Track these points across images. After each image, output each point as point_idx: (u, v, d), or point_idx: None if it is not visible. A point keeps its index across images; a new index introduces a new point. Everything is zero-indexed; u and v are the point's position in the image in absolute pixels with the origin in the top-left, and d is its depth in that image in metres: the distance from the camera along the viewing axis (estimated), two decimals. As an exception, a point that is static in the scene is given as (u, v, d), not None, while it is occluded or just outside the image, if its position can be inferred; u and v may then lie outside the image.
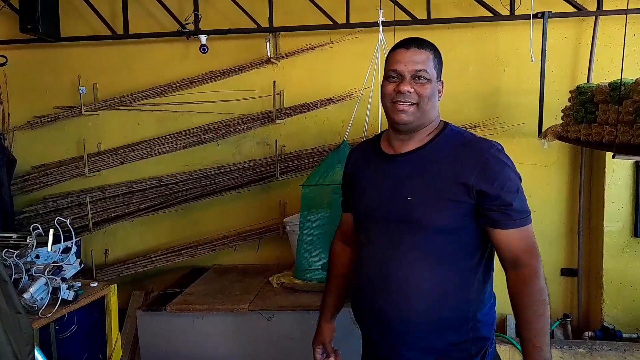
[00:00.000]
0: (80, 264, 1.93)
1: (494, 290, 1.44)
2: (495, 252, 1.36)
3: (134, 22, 3.15)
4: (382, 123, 2.66)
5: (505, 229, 1.26)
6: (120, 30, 3.14)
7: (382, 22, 2.45)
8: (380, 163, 1.41)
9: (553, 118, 2.94)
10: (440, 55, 1.37)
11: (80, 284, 1.89)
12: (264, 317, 2.52)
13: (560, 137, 2.59)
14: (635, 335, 2.87)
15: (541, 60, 2.80)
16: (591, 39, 2.91)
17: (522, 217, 1.27)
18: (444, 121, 1.41)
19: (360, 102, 2.73)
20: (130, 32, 3.13)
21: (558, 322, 3.01)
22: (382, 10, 2.43)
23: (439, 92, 1.37)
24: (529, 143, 2.99)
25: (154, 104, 3.28)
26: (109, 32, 3.14)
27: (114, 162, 3.28)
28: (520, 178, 1.30)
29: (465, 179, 1.25)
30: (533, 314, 1.24)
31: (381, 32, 2.39)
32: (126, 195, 3.30)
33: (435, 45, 1.38)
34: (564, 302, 3.13)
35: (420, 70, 1.29)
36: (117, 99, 3.27)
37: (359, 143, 1.61)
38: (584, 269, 3.10)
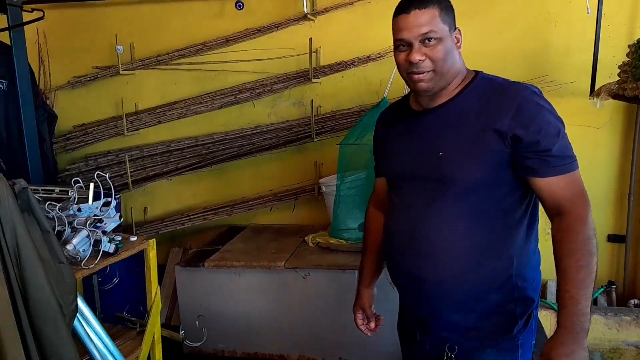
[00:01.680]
0: (120, 218, 1.95)
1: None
2: (538, 204, 1.27)
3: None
4: None
5: (544, 176, 1.16)
6: (156, -12, 3.11)
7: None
8: (409, 121, 1.35)
9: (607, 76, 2.76)
10: (448, 2, 1.24)
11: (120, 237, 1.92)
12: (300, 275, 2.53)
13: (616, 96, 2.43)
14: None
15: (597, 12, 2.62)
16: (652, -10, 2.68)
17: (563, 163, 1.15)
18: (474, 71, 1.30)
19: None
20: (166, -10, 3.09)
21: (602, 289, 2.91)
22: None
23: (457, 42, 1.26)
24: (578, 103, 2.83)
25: (190, 63, 3.26)
26: (144, -10, 3.11)
27: (152, 121, 3.30)
28: (562, 122, 1.18)
29: (498, 125, 1.16)
30: (575, 264, 1.12)
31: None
32: (164, 154, 3.33)
33: None
34: (610, 269, 3.02)
35: (427, 33, 1.18)
36: (154, 58, 3.26)
37: (389, 105, 1.54)
38: (632, 235, 2.96)
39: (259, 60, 3.18)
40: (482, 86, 1.25)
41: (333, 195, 2.68)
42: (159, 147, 3.32)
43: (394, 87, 2.58)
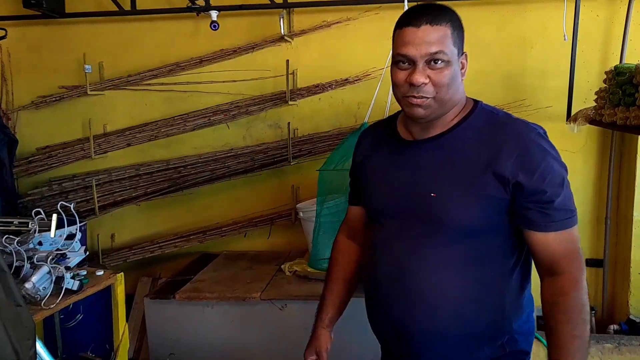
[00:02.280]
0: (85, 252, 1.83)
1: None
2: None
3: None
4: (392, 108, 2.51)
5: (543, 231, 1.06)
6: (127, 6, 3.00)
7: (406, -4, 2.30)
8: (396, 150, 1.20)
9: (582, 101, 2.79)
10: (460, 22, 1.10)
11: (85, 272, 1.79)
12: (276, 306, 2.43)
13: (592, 121, 2.44)
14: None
15: (572, 39, 2.64)
16: (625, 18, 2.73)
17: (564, 217, 1.06)
18: (473, 100, 1.17)
19: (381, 82, 2.57)
20: (137, 8, 2.99)
21: (581, 315, 2.89)
22: (407, -17, 2.27)
23: (462, 68, 1.12)
24: (555, 127, 2.77)
25: (162, 84, 3.15)
26: (115, 8, 3.00)
27: (121, 143, 3.16)
28: (566, 169, 1.09)
29: (500, 168, 1.04)
30: (568, 333, 1.03)
31: (407, 6, 2.23)
32: (133, 178, 3.19)
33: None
34: (589, 293, 3.00)
35: (436, 53, 1.04)
36: (124, 78, 3.14)
37: (370, 125, 1.40)
38: (610, 259, 2.97)
39: (234, 81, 3.09)
40: (483, 120, 1.13)
41: (311, 221, 2.59)
42: (127, 171, 3.18)
43: (375, 111, 2.53)
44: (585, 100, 2.82)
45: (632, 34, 2.75)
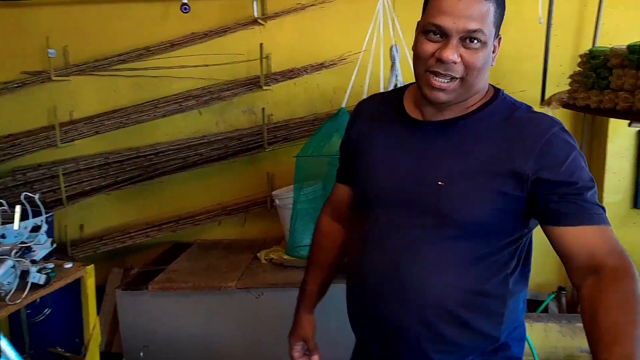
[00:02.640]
0: (52, 244, 1.74)
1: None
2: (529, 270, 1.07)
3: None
4: (369, 92, 2.47)
5: (578, 225, 0.90)
6: (92, -13, 2.87)
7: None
8: (402, 130, 1.07)
9: (555, 85, 2.82)
10: (503, 1, 0.98)
11: (52, 266, 1.70)
12: (253, 295, 2.39)
13: (566, 105, 2.46)
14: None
15: (547, 23, 2.65)
16: (598, 2, 2.75)
17: (600, 212, 0.92)
18: (493, 87, 1.05)
19: (358, 67, 2.52)
20: (103, -11, 2.87)
21: (553, 295, 2.94)
22: (383, -36, 2.22)
23: (494, 52, 0.99)
24: None
25: (131, 69, 3.03)
26: (79, -11, 2.87)
27: (89, 131, 3.04)
28: (585, 163, 0.97)
29: (519, 164, 0.93)
30: (631, 319, 0.79)
31: (382, -13, 2.19)
32: (102, 167, 3.09)
33: None
34: (559, 275, 3.06)
35: (475, 31, 0.91)
36: (91, 64, 3.01)
37: (370, 96, 1.25)
38: (581, 242, 3.02)
39: (206, 66, 3.01)
40: (504, 110, 1.01)
41: (287, 209, 2.55)
42: (96, 159, 3.07)
43: (352, 96, 2.48)
44: (558, 84, 2.84)
45: (605, 17, 2.77)
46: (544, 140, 0.94)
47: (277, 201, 2.69)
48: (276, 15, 2.92)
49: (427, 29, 0.95)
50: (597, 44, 2.74)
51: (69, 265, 1.82)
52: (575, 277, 0.91)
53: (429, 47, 0.95)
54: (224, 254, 2.83)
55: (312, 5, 2.87)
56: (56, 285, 1.69)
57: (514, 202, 0.96)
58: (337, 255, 1.31)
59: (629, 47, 1.91)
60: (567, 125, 2.90)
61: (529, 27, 2.75)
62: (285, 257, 2.58)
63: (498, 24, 0.97)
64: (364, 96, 2.34)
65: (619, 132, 2.72)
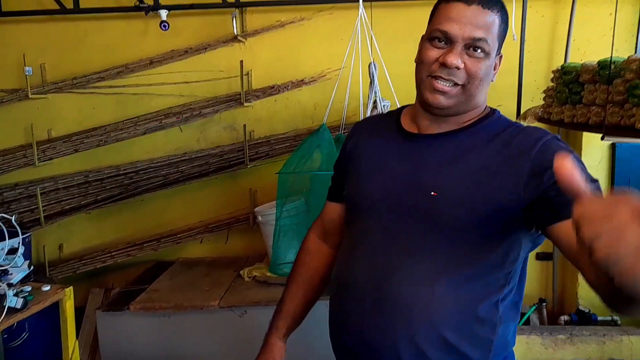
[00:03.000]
0: (29, 267, 1.71)
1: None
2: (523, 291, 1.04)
3: (86, -4, 2.88)
4: (349, 108, 2.50)
5: None
6: (70, 5, 2.86)
7: (360, -4, 2.28)
8: (397, 142, 1.06)
9: (530, 99, 2.89)
10: (507, 17, 0.99)
11: (30, 289, 1.68)
12: (236, 313, 2.36)
13: (541, 119, 2.51)
14: (609, 319, 2.87)
15: (521, 39, 2.72)
16: (569, 18, 2.83)
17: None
18: (490, 107, 1.06)
19: (339, 82, 2.54)
20: (81, 7, 2.85)
21: (534, 307, 2.97)
22: (361, -20, 2.25)
23: (495, 69, 1.00)
24: None
25: (110, 86, 3.02)
26: (57, 7, 2.85)
27: (67, 150, 3.01)
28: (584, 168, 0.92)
29: (513, 168, 0.92)
30: None
31: (362, 7, 2.21)
32: (82, 185, 3.05)
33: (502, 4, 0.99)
34: (540, 286, 3.11)
35: (479, 40, 0.92)
36: (69, 81, 2.99)
37: (366, 118, 1.30)
38: (559, 253, 3.05)
39: (187, 83, 3.01)
40: (499, 126, 1.00)
41: (270, 225, 2.54)
42: (75, 178, 3.03)
43: (332, 112, 2.50)
44: (532, 98, 2.91)
45: (575, 34, 2.86)
46: (539, 145, 0.92)
47: (259, 217, 2.68)
48: (256, 32, 2.94)
49: (432, 36, 0.97)
50: (569, 59, 2.82)
51: (46, 287, 1.79)
52: (578, 261, 0.84)
53: (434, 52, 0.96)
54: (207, 272, 2.80)
55: (291, 22, 2.90)
56: (34, 309, 1.66)
57: (510, 211, 0.92)
58: (322, 276, 1.25)
59: (600, 62, 1.97)
60: (543, 139, 2.95)
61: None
62: (269, 274, 2.56)
63: (501, 40, 0.98)
64: (345, 112, 2.37)
65: (592, 145, 2.79)
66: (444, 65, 0.94)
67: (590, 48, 2.90)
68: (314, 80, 2.95)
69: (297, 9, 2.89)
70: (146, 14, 2.82)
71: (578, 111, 2.12)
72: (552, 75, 2.43)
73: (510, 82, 2.84)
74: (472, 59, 0.94)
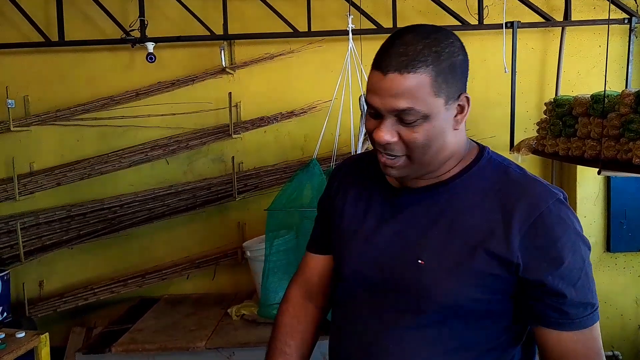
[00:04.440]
0: (3, 313, 1.61)
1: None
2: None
3: (71, 28, 2.84)
4: (340, 140, 2.45)
5: (556, 329, 0.83)
6: (54, 37, 2.81)
7: (351, 28, 2.26)
8: (380, 198, 0.96)
9: (523, 130, 2.87)
10: (455, 56, 0.83)
11: (3, 336, 1.58)
12: (224, 355, 2.27)
13: (535, 151, 2.48)
14: (610, 353, 2.80)
15: (512, 71, 2.70)
16: (558, 50, 2.83)
17: (584, 314, 0.82)
18: (479, 145, 0.95)
19: (329, 115, 2.50)
20: (66, 39, 2.81)
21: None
22: (351, 16, 2.23)
23: (460, 113, 0.86)
24: None
25: (95, 119, 2.95)
26: (42, 39, 2.80)
27: (50, 183, 2.92)
28: (589, 247, 0.85)
29: (504, 246, 0.82)
30: None
31: (351, 41, 2.19)
32: (64, 220, 2.95)
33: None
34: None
35: (404, 111, 0.81)
36: (52, 113, 2.92)
37: (352, 158, 1.14)
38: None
39: (173, 114, 2.96)
40: (491, 173, 0.89)
41: (259, 261, 2.45)
42: (57, 213, 2.94)
43: (323, 144, 2.45)
44: (525, 129, 2.89)
45: (565, 65, 2.86)
46: (536, 214, 0.82)
47: (248, 253, 2.60)
48: (245, 64, 2.91)
49: (367, 104, 0.87)
50: (560, 91, 2.82)
51: (21, 334, 1.69)
52: None
53: (370, 124, 0.87)
54: (193, 310, 2.70)
55: (280, 54, 2.88)
56: (7, 358, 1.55)
57: (505, 282, 0.84)
58: (309, 344, 1.10)
59: (593, 96, 1.94)
60: (536, 171, 2.94)
61: (494, 74, 2.81)
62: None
63: (451, 89, 0.83)
64: (336, 144, 2.32)
65: (587, 176, 2.76)
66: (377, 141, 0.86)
67: (581, 80, 2.90)
68: (304, 112, 2.91)
69: (286, 42, 2.87)
70: (132, 47, 2.78)
71: (573, 144, 2.09)
72: (544, 107, 2.40)
73: (503, 114, 2.82)
74: (407, 129, 0.83)
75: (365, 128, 0.90)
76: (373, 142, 0.88)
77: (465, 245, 0.85)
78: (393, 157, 0.86)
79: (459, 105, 0.85)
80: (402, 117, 0.82)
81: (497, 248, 0.82)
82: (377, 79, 0.82)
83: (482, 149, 0.94)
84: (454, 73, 0.83)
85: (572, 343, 0.83)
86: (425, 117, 0.82)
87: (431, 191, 0.90)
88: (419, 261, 0.87)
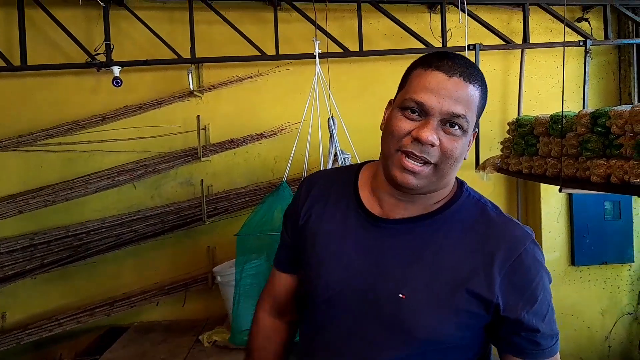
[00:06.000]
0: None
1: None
2: None
3: (34, 52, 2.79)
4: (310, 161, 2.46)
5: (527, 359, 0.88)
6: (17, 61, 2.75)
7: (318, 53, 2.29)
8: (358, 225, 0.93)
9: (488, 149, 2.94)
10: (487, 90, 0.90)
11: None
12: (195, 384, 2.22)
13: (500, 170, 2.54)
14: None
15: (475, 91, 2.77)
16: (519, 71, 2.93)
17: (552, 344, 0.88)
18: (457, 179, 0.95)
19: (299, 136, 2.50)
20: (29, 63, 2.76)
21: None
22: (318, 42, 2.26)
23: (469, 146, 0.89)
24: (464, 175, 2.88)
25: (59, 144, 2.89)
26: (3, 63, 2.74)
27: (11, 211, 2.82)
28: (551, 280, 0.90)
29: (485, 286, 0.84)
30: None
31: (318, 65, 2.22)
32: (27, 249, 2.85)
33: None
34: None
35: (458, 116, 0.82)
36: (15, 139, 2.85)
37: (320, 172, 1.10)
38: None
39: (141, 138, 2.92)
40: (470, 211, 0.91)
41: (229, 286, 2.42)
42: (19, 241, 2.84)
43: (294, 164, 2.44)
44: (490, 148, 2.97)
45: (526, 85, 2.96)
46: (515, 255, 0.85)
47: (218, 278, 2.56)
48: (213, 87, 2.91)
49: (405, 105, 0.85)
50: (522, 110, 2.91)
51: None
52: None
53: (406, 124, 0.84)
54: (164, 338, 2.64)
55: (249, 77, 2.89)
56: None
57: (479, 319, 0.87)
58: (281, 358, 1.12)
59: (552, 117, 2.01)
60: (502, 189, 3.00)
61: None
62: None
63: (479, 116, 0.89)
64: (306, 165, 2.32)
65: (550, 193, 2.85)
66: (417, 140, 0.82)
67: (541, 99, 3.01)
68: (274, 134, 2.92)
69: (254, 65, 2.89)
70: (98, 71, 2.75)
71: (535, 162, 2.15)
72: (507, 127, 2.47)
73: (467, 132, 2.89)
74: (448, 137, 0.83)
75: (395, 129, 0.86)
76: (400, 142, 0.85)
77: (447, 284, 0.85)
78: (421, 164, 0.84)
79: (470, 139, 0.89)
80: (452, 121, 0.82)
81: (479, 288, 0.84)
82: (440, 79, 0.82)
83: (460, 183, 0.95)
84: (484, 104, 0.89)
85: None
86: (465, 132, 0.84)
87: (415, 223, 0.90)
88: (400, 295, 0.86)
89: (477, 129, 0.91)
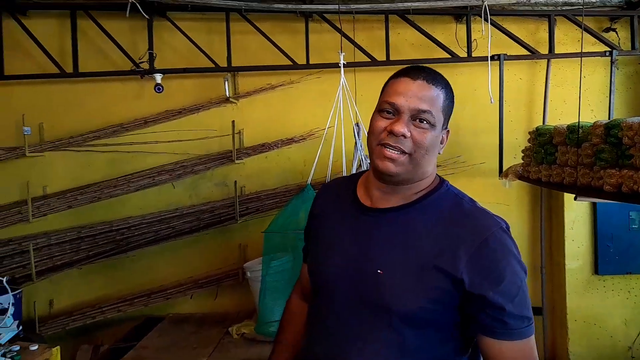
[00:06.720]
0: (18, 327, 1.74)
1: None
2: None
3: (84, 60, 3.02)
4: (346, 164, 2.59)
5: (497, 338, 0.95)
6: (69, 69, 3.00)
7: (343, 64, 2.42)
8: (352, 214, 1.10)
9: (512, 157, 2.98)
10: (453, 95, 1.07)
11: (18, 348, 1.70)
12: (224, 372, 2.36)
13: (521, 177, 2.60)
14: (600, 374, 2.87)
15: (499, 100, 2.84)
16: (544, 81, 2.98)
17: (520, 326, 0.95)
18: (440, 177, 1.11)
19: (325, 141, 2.64)
20: (80, 71, 2.99)
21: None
22: (343, 54, 2.40)
23: (442, 143, 1.06)
24: (488, 182, 3.00)
25: (105, 145, 3.12)
26: (57, 71, 2.99)
27: (61, 206, 3.07)
28: (525, 271, 0.99)
29: (451, 264, 0.95)
30: None
31: (342, 76, 2.35)
32: (74, 241, 3.09)
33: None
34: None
35: (424, 112, 0.99)
36: (66, 140, 3.09)
37: (334, 180, 1.32)
38: (547, 307, 3.10)
39: (180, 141, 3.11)
40: (447, 202, 1.05)
41: (258, 281, 2.56)
42: (68, 234, 3.08)
43: (318, 169, 2.58)
44: (515, 156, 3.01)
45: (552, 94, 3.00)
46: (480, 239, 0.96)
47: (248, 273, 2.72)
48: (247, 94, 3.08)
49: (382, 108, 1.03)
50: (547, 119, 2.95)
51: (34, 347, 1.81)
52: None
53: (382, 122, 1.02)
54: (195, 329, 2.81)
55: (281, 85, 3.05)
56: (21, 370, 1.67)
57: (450, 297, 0.97)
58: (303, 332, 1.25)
59: (569, 127, 2.07)
60: (525, 195, 3.05)
61: (484, 103, 2.93)
62: (257, 331, 2.57)
63: (447, 115, 1.04)
64: (330, 170, 2.45)
65: (573, 202, 2.86)
66: (391, 133, 0.99)
67: (567, 108, 3.04)
68: (303, 139, 3.06)
69: (286, 73, 3.04)
70: (141, 77, 2.96)
71: (554, 171, 2.21)
72: (529, 136, 2.53)
73: (492, 141, 2.95)
74: (418, 129, 1.00)
75: (374, 128, 1.04)
76: (379, 137, 1.02)
77: (419, 262, 0.98)
78: (398, 152, 1.00)
79: (442, 136, 1.06)
80: (419, 117, 1.00)
81: (445, 265, 0.96)
82: (406, 83, 1.02)
83: (442, 181, 1.10)
84: (451, 105, 1.06)
85: (512, 352, 0.96)
86: (432, 126, 1.01)
87: (397, 212, 1.05)
88: (378, 271, 1.00)
89: (447, 128, 1.06)
